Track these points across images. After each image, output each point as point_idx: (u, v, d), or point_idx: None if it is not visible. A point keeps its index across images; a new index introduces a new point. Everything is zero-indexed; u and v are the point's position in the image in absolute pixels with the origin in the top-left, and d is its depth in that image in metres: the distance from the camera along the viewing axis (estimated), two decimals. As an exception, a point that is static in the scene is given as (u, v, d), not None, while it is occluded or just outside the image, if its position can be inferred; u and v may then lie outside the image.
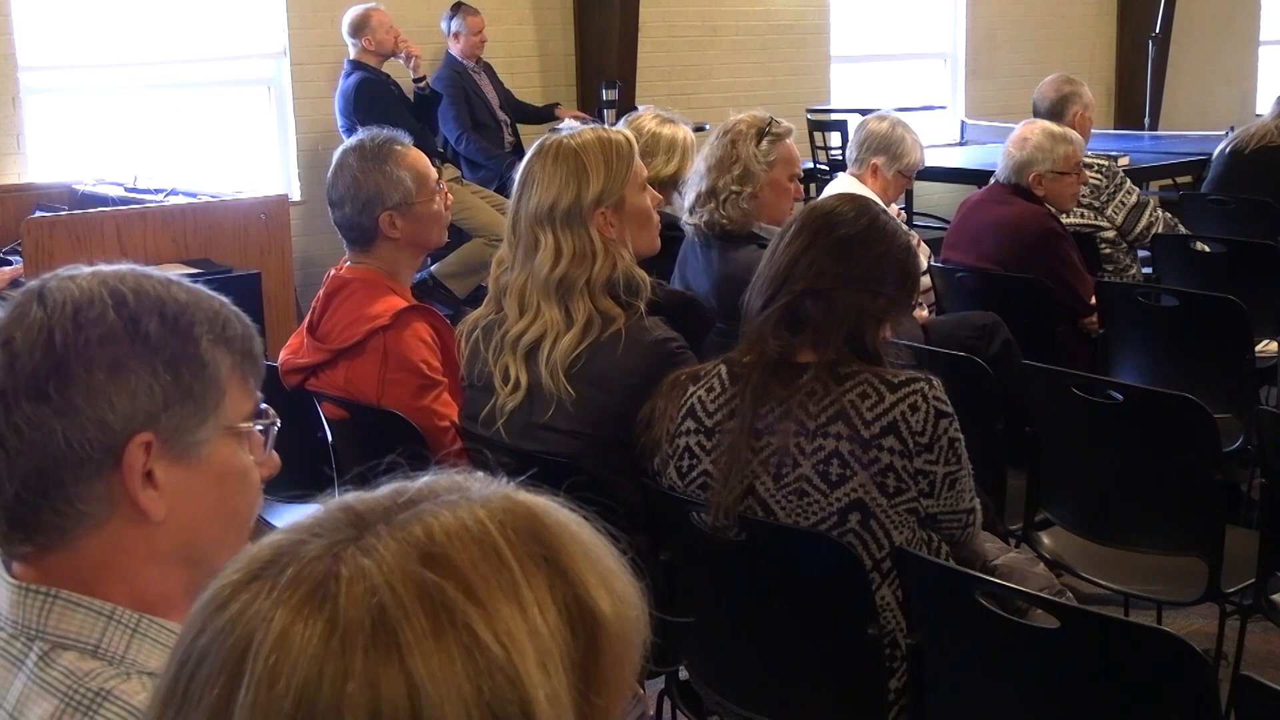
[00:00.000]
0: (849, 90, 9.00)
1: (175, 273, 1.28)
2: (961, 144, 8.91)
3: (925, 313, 4.15)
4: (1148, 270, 5.02)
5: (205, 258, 5.06)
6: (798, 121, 5.05)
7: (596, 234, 2.62)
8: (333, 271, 3.06)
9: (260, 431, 1.26)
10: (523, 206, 2.66)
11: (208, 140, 6.80)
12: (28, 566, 1.19)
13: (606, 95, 7.51)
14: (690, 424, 2.39)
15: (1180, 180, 7.47)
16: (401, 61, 6.58)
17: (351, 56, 6.52)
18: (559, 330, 2.60)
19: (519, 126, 7.14)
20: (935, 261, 4.50)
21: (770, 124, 3.63)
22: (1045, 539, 3.18)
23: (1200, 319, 3.88)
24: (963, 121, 9.34)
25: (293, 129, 6.95)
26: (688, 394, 2.41)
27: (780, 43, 8.66)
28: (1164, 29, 9.76)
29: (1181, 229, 5.12)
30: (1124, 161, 6.23)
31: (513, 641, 0.71)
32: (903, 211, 5.59)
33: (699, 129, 4.81)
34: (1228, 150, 5.96)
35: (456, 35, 6.94)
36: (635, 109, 4.08)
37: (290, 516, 1.82)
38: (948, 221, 5.06)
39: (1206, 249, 4.77)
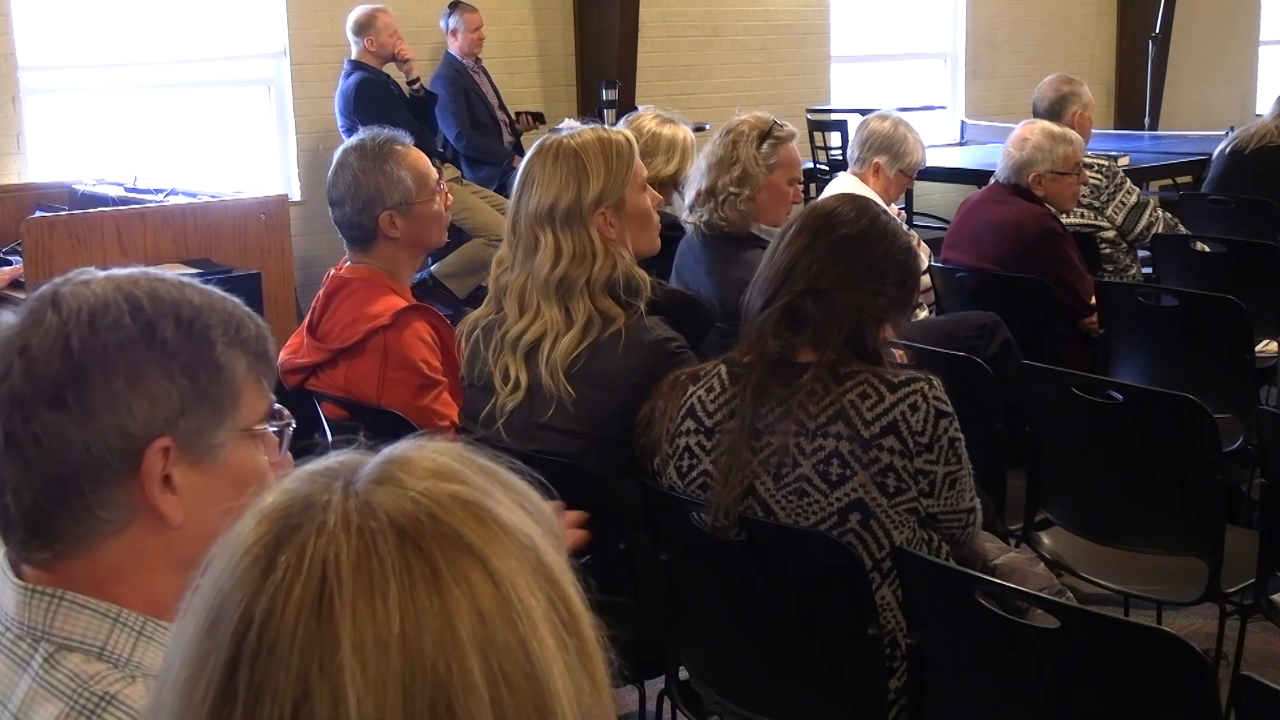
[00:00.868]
0: (849, 90, 9.00)
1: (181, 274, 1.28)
2: (961, 144, 8.91)
3: (925, 313, 4.15)
4: (1148, 270, 5.01)
5: (205, 258, 5.05)
6: (798, 121, 5.05)
7: (596, 234, 2.61)
8: (333, 271, 3.06)
9: (275, 432, 1.26)
10: (523, 206, 2.66)
11: (208, 140, 6.80)
12: (42, 571, 1.17)
13: (606, 95, 7.51)
14: (690, 424, 2.39)
15: (1180, 180, 7.47)
16: (395, 65, 6.58)
17: (352, 56, 6.51)
18: (559, 330, 2.60)
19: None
20: (935, 261, 4.50)
21: (773, 127, 3.62)
22: (1045, 539, 3.18)
23: (1200, 319, 3.88)
24: (962, 121, 9.34)
25: (293, 129, 6.95)
26: (688, 394, 2.41)
27: (780, 43, 8.66)
28: (1164, 29, 9.76)
29: (1181, 229, 5.12)
30: (1124, 161, 6.22)
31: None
32: (903, 211, 5.59)
33: (699, 129, 4.82)
34: (1228, 150, 5.96)
35: (454, 33, 6.94)
36: (635, 109, 4.08)
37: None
38: (948, 221, 5.06)
39: (1206, 249, 4.77)
